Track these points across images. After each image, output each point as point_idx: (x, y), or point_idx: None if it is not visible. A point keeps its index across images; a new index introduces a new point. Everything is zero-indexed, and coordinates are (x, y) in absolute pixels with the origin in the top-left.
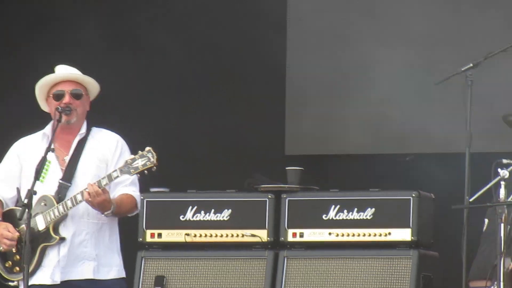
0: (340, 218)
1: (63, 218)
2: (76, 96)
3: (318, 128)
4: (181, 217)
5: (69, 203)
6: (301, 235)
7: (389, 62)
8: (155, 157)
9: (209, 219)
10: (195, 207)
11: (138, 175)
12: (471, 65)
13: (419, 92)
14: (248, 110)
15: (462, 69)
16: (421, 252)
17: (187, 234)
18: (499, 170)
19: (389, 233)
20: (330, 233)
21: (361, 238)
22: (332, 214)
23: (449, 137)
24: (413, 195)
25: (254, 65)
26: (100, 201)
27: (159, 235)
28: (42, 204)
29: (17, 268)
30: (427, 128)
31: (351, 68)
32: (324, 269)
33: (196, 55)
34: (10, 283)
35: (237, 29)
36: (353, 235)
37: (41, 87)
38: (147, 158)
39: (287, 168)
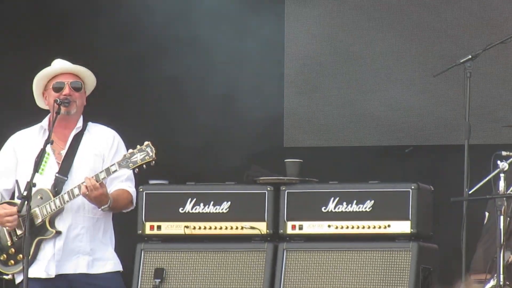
0: (340, 210)
1: (59, 211)
2: (75, 88)
3: (317, 120)
4: (180, 210)
5: (65, 197)
6: (300, 228)
7: (388, 54)
8: (154, 151)
9: (208, 212)
10: (194, 199)
11: (136, 170)
12: (470, 56)
13: (418, 84)
14: (247, 102)
15: (461, 61)
16: (421, 245)
17: (187, 227)
18: (498, 162)
19: (389, 226)
20: (329, 226)
21: (361, 231)
22: (331, 206)
23: (448, 129)
24: (412, 187)
25: (253, 58)
26: (97, 195)
27: (159, 227)
28: (39, 197)
29: (12, 261)
30: (426, 120)
31: (350, 60)
32: (323, 261)
33: (191, 45)
34: (5, 276)
35: (234, 18)
36: (353, 227)
37: (40, 79)
38: (146, 152)
39: (286, 160)
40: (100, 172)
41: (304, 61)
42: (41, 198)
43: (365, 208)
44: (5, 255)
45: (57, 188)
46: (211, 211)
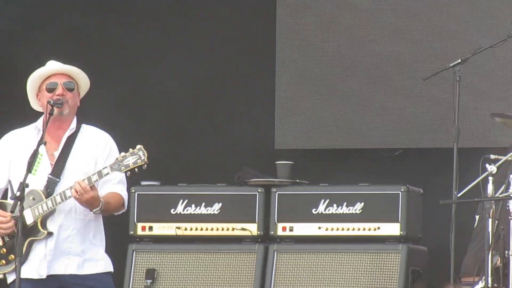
0: (330, 212)
1: (51, 213)
2: (69, 88)
3: (308, 122)
4: (172, 211)
5: (58, 198)
6: (291, 229)
7: (377, 57)
8: (145, 155)
9: (199, 213)
10: (186, 201)
11: (129, 172)
12: (460, 60)
13: (408, 87)
14: (238, 105)
15: (451, 65)
16: (410, 247)
17: (178, 228)
18: (487, 165)
19: (378, 228)
20: (319, 227)
21: (351, 233)
22: (321, 208)
23: (437, 132)
24: (402, 190)
25: (244, 61)
26: (88, 198)
27: (150, 228)
28: (31, 198)
29: (4, 261)
30: (415, 123)
31: (340, 63)
32: (313, 263)
33: (188, 51)
34: None
35: (227, 23)
36: (343, 229)
37: (34, 80)
38: (138, 156)
39: (277, 162)
40: (93, 174)
41: (295, 65)
42: (33, 199)
43: (355, 210)
44: None
45: (49, 189)
46: (202, 212)
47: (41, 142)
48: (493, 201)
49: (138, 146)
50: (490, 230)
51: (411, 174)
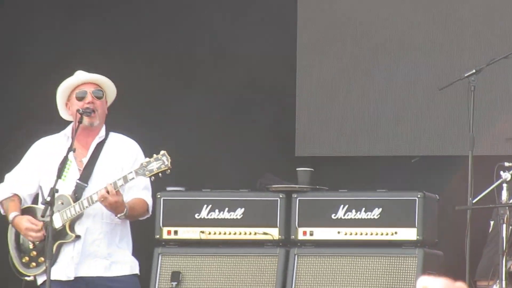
0: (349, 217)
1: (79, 216)
2: (97, 96)
3: (327, 130)
4: (196, 215)
5: (85, 203)
6: (311, 234)
7: (396, 68)
8: (169, 160)
9: (223, 218)
10: (210, 206)
11: (152, 177)
12: (474, 71)
13: (424, 97)
14: (260, 113)
15: (465, 75)
16: (426, 251)
17: (202, 232)
18: (501, 172)
19: (396, 233)
20: (339, 232)
21: (369, 237)
22: (341, 213)
23: (453, 140)
24: (419, 196)
25: (266, 69)
26: (112, 202)
27: (175, 232)
28: (59, 202)
29: (34, 264)
30: (432, 131)
31: (359, 73)
32: (333, 266)
33: (206, 57)
34: (26, 278)
35: (247, 29)
36: (361, 234)
37: (64, 89)
38: (161, 161)
39: (297, 169)
40: (118, 179)
41: (316, 73)
42: (62, 203)
43: (373, 215)
44: (27, 258)
45: (77, 194)
46: (225, 217)
47: (71, 149)
48: (507, 207)
49: (162, 152)
50: (504, 235)
51: (428, 181)
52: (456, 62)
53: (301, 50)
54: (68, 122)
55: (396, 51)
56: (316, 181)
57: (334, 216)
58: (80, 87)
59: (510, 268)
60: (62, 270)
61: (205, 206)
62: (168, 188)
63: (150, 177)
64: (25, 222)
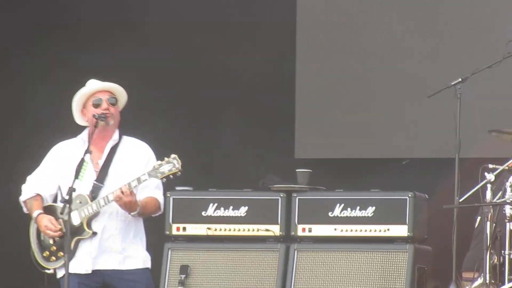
0: (345, 215)
1: (95, 215)
2: (112, 103)
3: (325, 135)
4: (203, 213)
5: (101, 202)
6: (310, 230)
7: (389, 76)
8: (179, 163)
9: (228, 215)
10: (216, 204)
11: (164, 179)
12: (460, 79)
13: (414, 104)
14: (261, 118)
15: (452, 83)
16: (416, 247)
17: (209, 228)
18: (485, 174)
19: (388, 229)
20: (335, 229)
21: (363, 234)
22: (337, 211)
23: (441, 144)
24: (409, 195)
25: (265, 76)
26: (126, 202)
27: (184, 228)
28: (78, 201)
29: (54, 258)
30: (421, 135)
31: (355, 82)
32: (330, 260)
33: (208, 61)
34: (47, 271)
35: (247, 34)
36: (356, 230)
37: (80, 97)
38: (172, 164)
39: (297, 170)
40: (132, 180)
41: (315, 80)
42: (80, 202)
43: (367, 213)
44: (47, 252)
45: (94, 194)
46: (230, 215)
47: (87, 151)
48: (491, 206)
49: (173, 155)
50: (488, 232)
51: (418, 181)
52: (444, 71)
53: (301, 54)
54: (81, 127)
55: (389, 60)
56: (314, 181)
57: (331, 214)
58: (95, 95)
59: (494, 262)
60: (80, 264)
61: (211, 204)
62: (177, 188)
63: (162, 178)
64: (45, 221)
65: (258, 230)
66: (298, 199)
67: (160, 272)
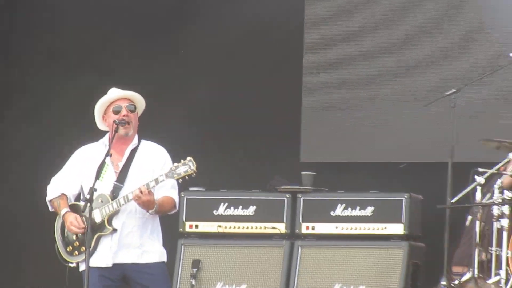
0: (345, 214)
1: (115, 213)
2: (131, 110)
3: (328, 140)
4: (214, 212)
5: (121, 201)
6: (313, 228)
7: (389, 86)
8: (194, 165)
9: (237, 214)
10: (226, 204)
11: (180, 180)
12: (454, 90)
13: (412, 112)
14: (270, 127)
15: (447, 94)
16: (411, 244)
17: (219, 226)
18: (476, 177)
19: (385, 228)
20: (337, 227)
21: (362, 231)
22: (338, 211)
23: (435, 150)
24: (405, 196)
25: (271, 82)
26: (145, 201)
27: (196, 226)
28: (99, 201)
29: (76, 252)
30: (417, 142)
31: (358, 90)
32: (331, 256)
33: (216, 64)
34: (70, 264)
35: (255, 37)
36: (356, 228)
37: (102, 104)
38: (188, 166)
39: (302, 172)
40: (150, 181)
41: (321, 99)
42: (101, 201)
43: (366, 213)
44: (70, 247)
45: (114, 193)
46: (239, 214)
47: (108, 154)
48: (480, 207)
49: (188, 158)
50: (477, 230)
51: (413, 184)
52: (439, 83)
53: (307, 58)
54: (102, 131)
55: (389, 71)
56: (318, 183)
57: (333, 213)
58: (115, 103)
59: (482, 258)
60: (101, 258)
61: (222, 204)
62: (191, 189)
63: (178, 179)
64: (71, 218)
65: (265, 228)
66: (303, 199)
67: (174, 266)
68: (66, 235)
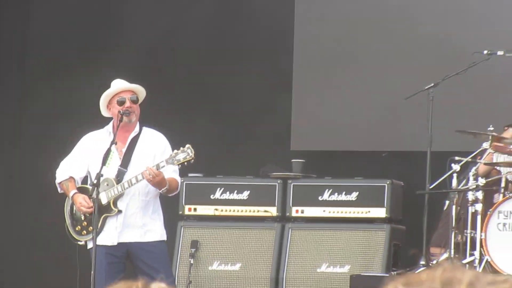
0: (332, 199)
1: (120, 195)
2: (133, 101)
3: (317, 130)
4: (211, 196)
5: (125, 184)
6: (302, 212)
7: (373, 81)
8: (193, 152)
9: (232, 198)
10: (222, 189)
11: (179, 165)
12: (432, 84)
13: (393, 105)
14: (262, 117)
15: (426, 87)
16: (393, 226)
17: (216, 209)
18: (452, 165)
19: (369, 211)
20: (324, 211)
21: (348, 215)
22: (326, 196)
23: (415, 139)
24: (387, 182)
25: (262, 70)
26: (159, 180)
27: (195, 209)
28: (105, 184)
29: (85, 232)
30: (399, 132)
31: (345, 83)
32: (319, 237)
33: (206, 52)
34: (79, 243)
35: (245, 29)
36: (342, 212)
37: (107, 95)
38: (186, 153)
39: (292, 160)
40: (152, 166)
41: (310, 93)
42: (107, 185)
43: (352, 197)
44: (79, 227)
45: (119, 178)
46: (234, 198)
47: (113, 142)
48: (456, 192)
49: (187, 145)
50: (453, 214)
51: (395, 171)
52: (419, 77)
53: (298, 50)
54: (106, 118)
55: (374, 67)
56: (307, 169)
57: (321, 198)
58: (119, 94)
59: (458, 239)
60: (107, 237)
61: (219, 188)
62: (190, 174)
63: (177, 165)
64: (80, 198)
65: (258, 211)
66: (293, 185)
67: (174, 246)
68: (75, 215)
